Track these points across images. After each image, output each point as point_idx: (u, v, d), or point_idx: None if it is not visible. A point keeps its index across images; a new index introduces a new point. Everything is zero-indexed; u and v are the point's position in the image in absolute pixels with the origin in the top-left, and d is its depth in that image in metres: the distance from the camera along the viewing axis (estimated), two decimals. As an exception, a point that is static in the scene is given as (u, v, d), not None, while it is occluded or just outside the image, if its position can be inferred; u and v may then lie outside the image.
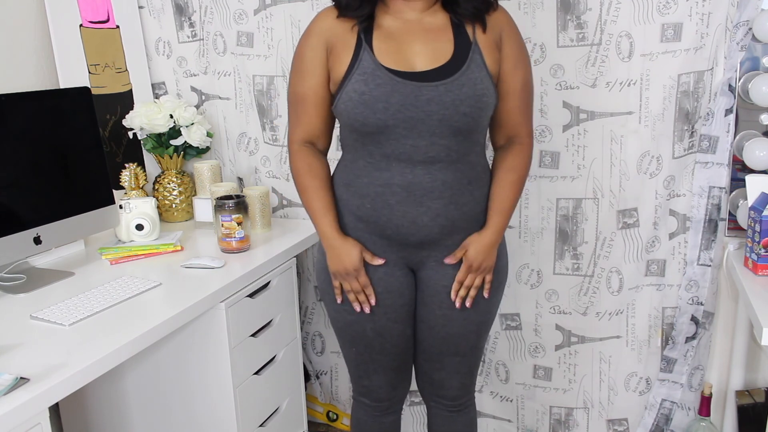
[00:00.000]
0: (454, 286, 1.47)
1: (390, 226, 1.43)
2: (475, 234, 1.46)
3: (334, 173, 1.53)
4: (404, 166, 1.39)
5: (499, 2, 1.44)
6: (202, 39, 2.24)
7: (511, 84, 1.43)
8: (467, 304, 1.48)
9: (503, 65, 1.42)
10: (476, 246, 1.44)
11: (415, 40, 1.39)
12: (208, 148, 2.26)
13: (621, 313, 2.01)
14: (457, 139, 1.38)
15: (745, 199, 1.77)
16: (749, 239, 1.68)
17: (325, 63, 1.42)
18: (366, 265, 1.47)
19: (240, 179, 2.34)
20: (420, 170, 1.38)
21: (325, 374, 2.41)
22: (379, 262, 1.46)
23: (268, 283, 1.87)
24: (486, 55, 1.39)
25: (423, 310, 1.53)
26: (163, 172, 2.23)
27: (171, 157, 2.19)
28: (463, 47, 1.38)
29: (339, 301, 1.51)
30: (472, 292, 1.48)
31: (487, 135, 1.53)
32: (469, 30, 1.40)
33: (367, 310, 1.48)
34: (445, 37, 1.39)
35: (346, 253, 1.44)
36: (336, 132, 1.55)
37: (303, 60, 1.44)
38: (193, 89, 2.31)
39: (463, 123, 1.36)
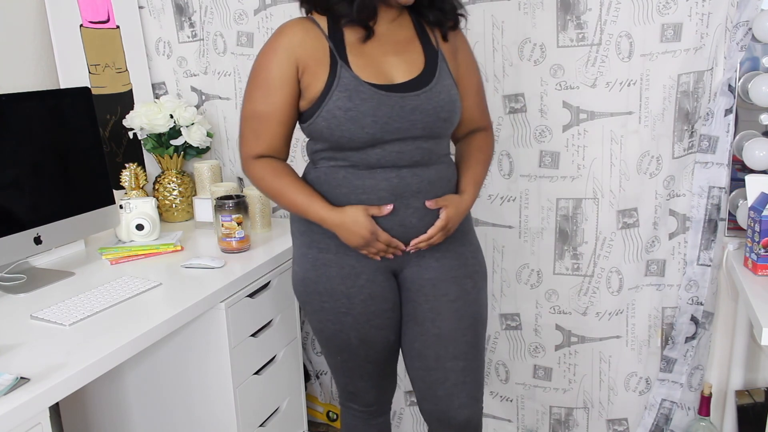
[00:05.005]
0: (422, 237, 1.42)
1: None
2: (453, 196, 1.46)
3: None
4: (389, 171, 1.39)
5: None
6: (202, 39, 2.24)
7: (468, 86, 1.51)
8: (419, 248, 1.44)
9: (459, 70, 1.49)
10: (456, 208, 1.44)
11: (388, 53, 1.41)
12: (208, 148, 2.26)
13: (621, 313, 2.01)
14: (435, 141, 1.43)
15: (745, 199, 1.77)
16: (749, 239, 1.68)
17: (295, 81, 1.38)
18: (346, 271, 1.45)
19: (240, 179, 2.34)
20: (406, 172, 1.39)
21: (325, 374, 2.41)
22: (388, 209, 1.38)
23: (268, 283, 1.87)
24: (449, 62, 1.45)
25: (409, 308, 1.51)
26: (163, 172, 2.23)
27: (171, 157, 2.19)
28: (431, 56, 1.43)
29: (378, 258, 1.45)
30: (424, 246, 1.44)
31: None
32: (432, 38, 1.45)
33: (399, 252, 1.44)
34: (414, 47, 1.43)
35: (354, 222, 1.37)
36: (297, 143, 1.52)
37: (268, 76, 1.39)
38: (193, 89, 2.31)
39: (442, 128, 1.42)
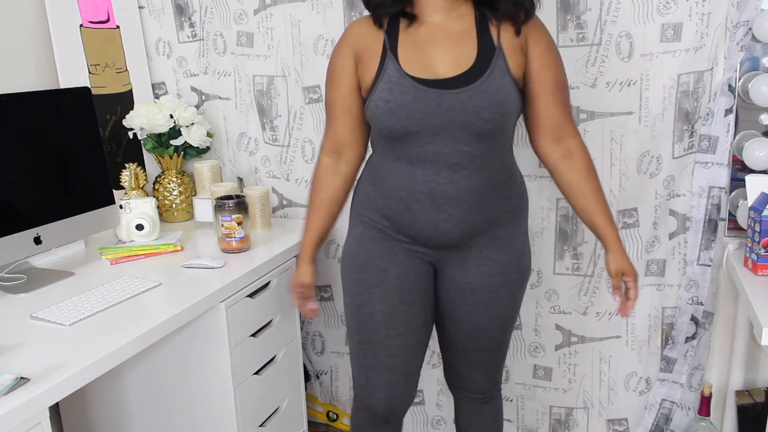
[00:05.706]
0: (631, 304, 1.46)
1: (412, 228, 1.46)
2: (609, 255, 1.46)
3: (362, 171, 1.57)
4: (428, 173, 1.40)
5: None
6: (202, 39, 2.24)
7: (542, 84, 1.42)
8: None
9: (530, 66, 1.41)
10: (625, 264, 1.45)
11: (438, 46, 1.39)
12: (208, 148, 2.26)
13: (621, 313, 2.01)
14: (481, 145, 1.38)
15: (745, 199, 1.77)
16: (749, 239, 1.68)
17: (354, 71, 1.45)
18: (386, 248, 1.50)
19: (240, 179, 2.34)
20: (444, 178, 1.39)
21: (325, 374, 2.41)
22: (312, 307, 1.59)
23: (268, 283, 1.87)
24: (510, 60, 1.38)
25: (448, 305, 1.55)
26: (163, 172, 2.23)
27: (171, 157, 2.19)
28: (486, 52, 1.37)
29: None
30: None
31: (516, 141, 1.55)
32: (493, 33, 1.39)
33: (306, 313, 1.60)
34: (468, 41, 1.39)
35: (299, 273, 1.58)
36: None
37: (334, 69, 1.48)
38: (193, 89, 2.31)
39: (485, 129, 1.37)
